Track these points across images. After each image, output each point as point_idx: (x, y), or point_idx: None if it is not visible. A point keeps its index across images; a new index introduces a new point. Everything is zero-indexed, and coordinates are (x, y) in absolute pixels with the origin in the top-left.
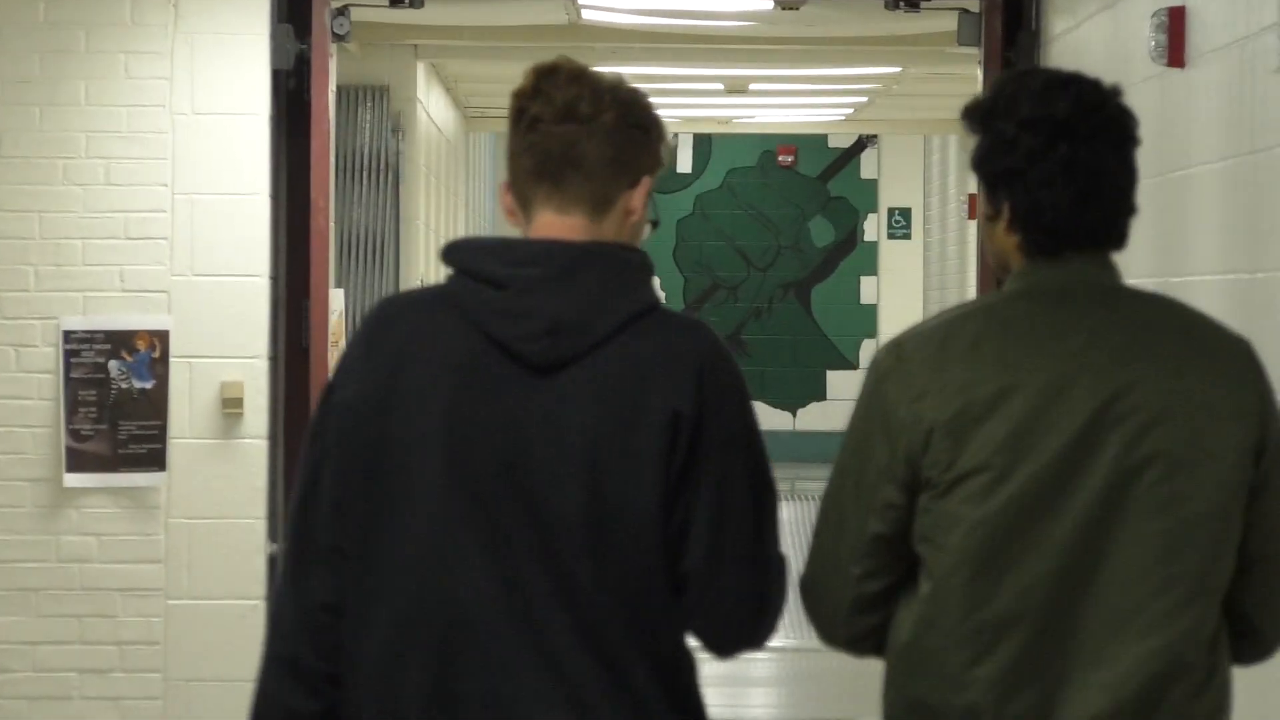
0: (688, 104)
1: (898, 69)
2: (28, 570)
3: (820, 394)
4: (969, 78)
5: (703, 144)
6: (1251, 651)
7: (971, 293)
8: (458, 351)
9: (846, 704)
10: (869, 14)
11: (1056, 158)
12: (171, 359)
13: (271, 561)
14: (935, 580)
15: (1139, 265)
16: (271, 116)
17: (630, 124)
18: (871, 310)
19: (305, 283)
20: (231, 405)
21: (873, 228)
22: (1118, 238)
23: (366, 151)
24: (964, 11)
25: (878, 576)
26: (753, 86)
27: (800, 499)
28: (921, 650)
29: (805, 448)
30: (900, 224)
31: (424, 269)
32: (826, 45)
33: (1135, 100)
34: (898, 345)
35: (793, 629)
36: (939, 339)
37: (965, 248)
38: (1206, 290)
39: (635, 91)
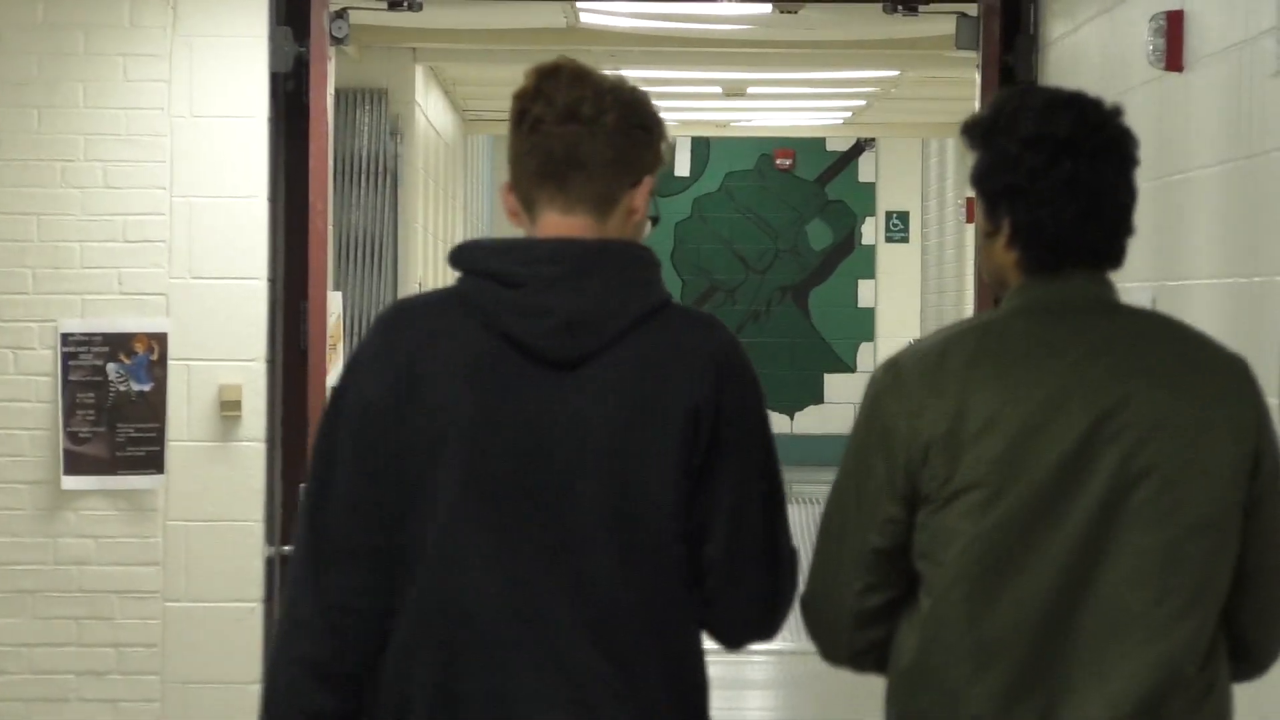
0: (686, 107)
1: (896, 72)
2: (25, 572)
3: (818, 397)
4: (967, 81)
5: (701, 147)
6: (1247, 669)
7: (969, 295)
8: (473, 351)
9: (845, 708)
10: (867, 17)
11: (1059, 175)
12: (170, 361)
13: (269, 564)
14: (934, 596)
15: (1137, 269)
16: (270, 119)
17: (632, 124)
18: (869, 314)
19: (303, 285)
20: (229, 408)
21: (870, 231)
22: (1116, 256)
23: (365, 154)
24: (962, 15)
25: (879, 591)
26: (751, 90)
27: (797, 502)
28: (922, 666)
29: (802, 451)
30: (898, 227)
31: (422, 272)
32: (824, 49)
33: (1133, 104)
34: (895, 363)
35: (791, 632)
36: (936, 356)
37: (963, 251)
38: (1204, 294)
39: (636, 91)
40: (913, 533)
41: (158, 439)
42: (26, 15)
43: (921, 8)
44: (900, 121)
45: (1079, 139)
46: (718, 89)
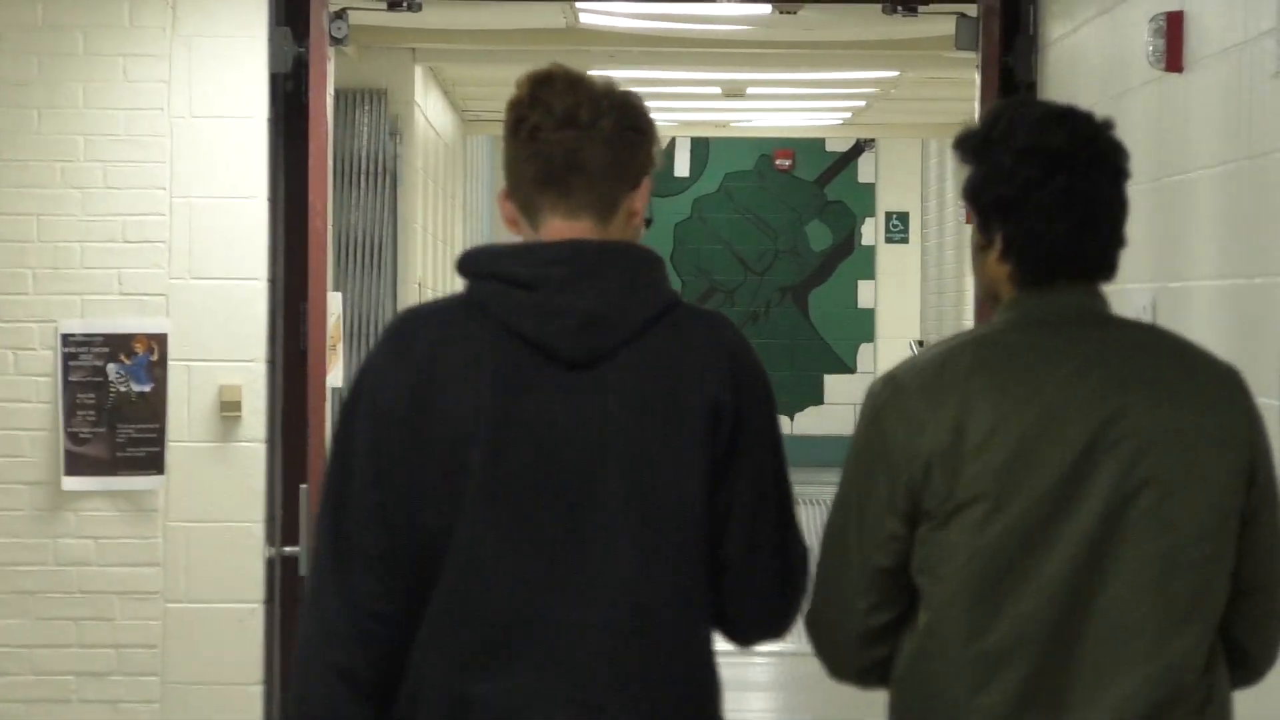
0: (685, 108)
1: (895, 73)
2: (25, 573)
3: (818, 398)
4: (967, 82)
5: (700, 148)
6: (1245, 675)
7: (969, 296)
8: (489, 353)
9: (847, 710)
10: (866, 18)
11: (1053, 188)
12: (170, 362)
13: (270, 565)
14: (934, 610)
15: (1137, 271)
16: (269, 120)
17: (628, 127)
18: (869, 314)
19: (303, 286)
20: (230, 408)
21: (870, 232)
22: (1109, 269)
23: (364, 155)
24: (962, 16)
25: (883, 609)
26: (750, 90)
27: (799, 502)
28: (924, 680)
29: (803, 452)
30: (898, 228)
31: (421, 272)
32: (824, 49)
33: (1133, 105)
34: (893, 379)
35: (793, 634)
36: (934, 371)
37: (963, 252)
38: (1204, 295)
39: (629, 94)
40: (914, 548)
41: (158, 440)
42: (26, 16)
43: (921, 8)
44: (900, 122)
45: (1073, 152)
46: (717, 89)
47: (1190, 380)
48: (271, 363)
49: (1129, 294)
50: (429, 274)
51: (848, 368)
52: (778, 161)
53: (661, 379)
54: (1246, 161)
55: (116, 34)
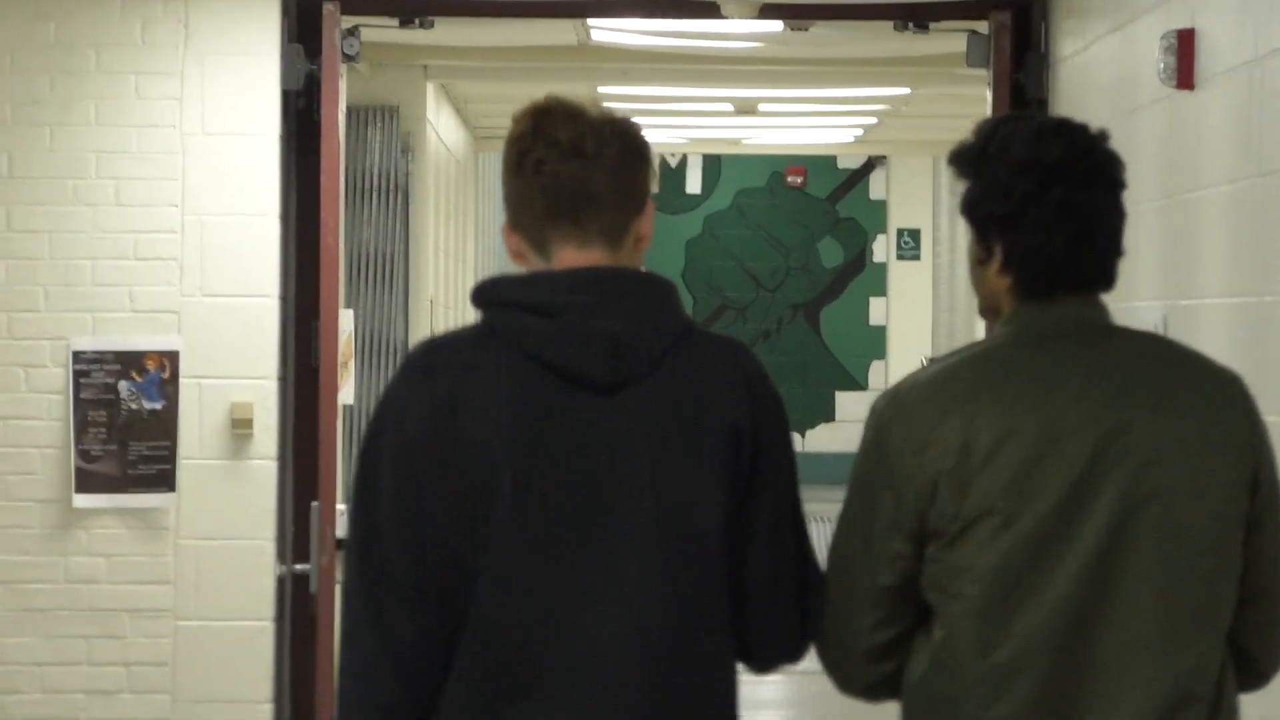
0: (697, 125)
1: (907, 90)
2: (36, 591)
3: (829, 415)
4: (978, 99)
5: (712, 165)
6: (1251, 680)
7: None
8: (513, 381)
9: None
10: (878, 35)
11: (1051, 201)
12: (181, 379)
13: (280, 583)
14: (947, 626)
15: (1147, 288)
16: (281, 136)
17: (631, 153)
18: (880, 331)
19: (315, 303)
20: (241, 426)
21: (882, 249)
22: (1108, 279)
23: (376, 171)
24: (973, 33)
25: (889, 625)
26: (762, 107)
27: (811, 520)
28: (937, 695)
29: (814, 469)
30: (909, 245)
31: (433, 289)
32: (835, 66)
33: (1143, 122)
34: (896, 396)
35: None
36: (937, 388)
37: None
38: (1214, 313)
39: (627, 120)
40: (921, 566)
41: (169, 457)
42: (38, 34)
43: (932, 25)
44: (911, 139)
45: (1070, 164)
46: (729, 106)
47: (1192, 388)
48: (283, 380)
49: (1139, 311)
50: (441, 291)
51: (859, 385)
52: (789, 178)
53: (683, 404)
54: (1257, 179)
55: (129, 51)
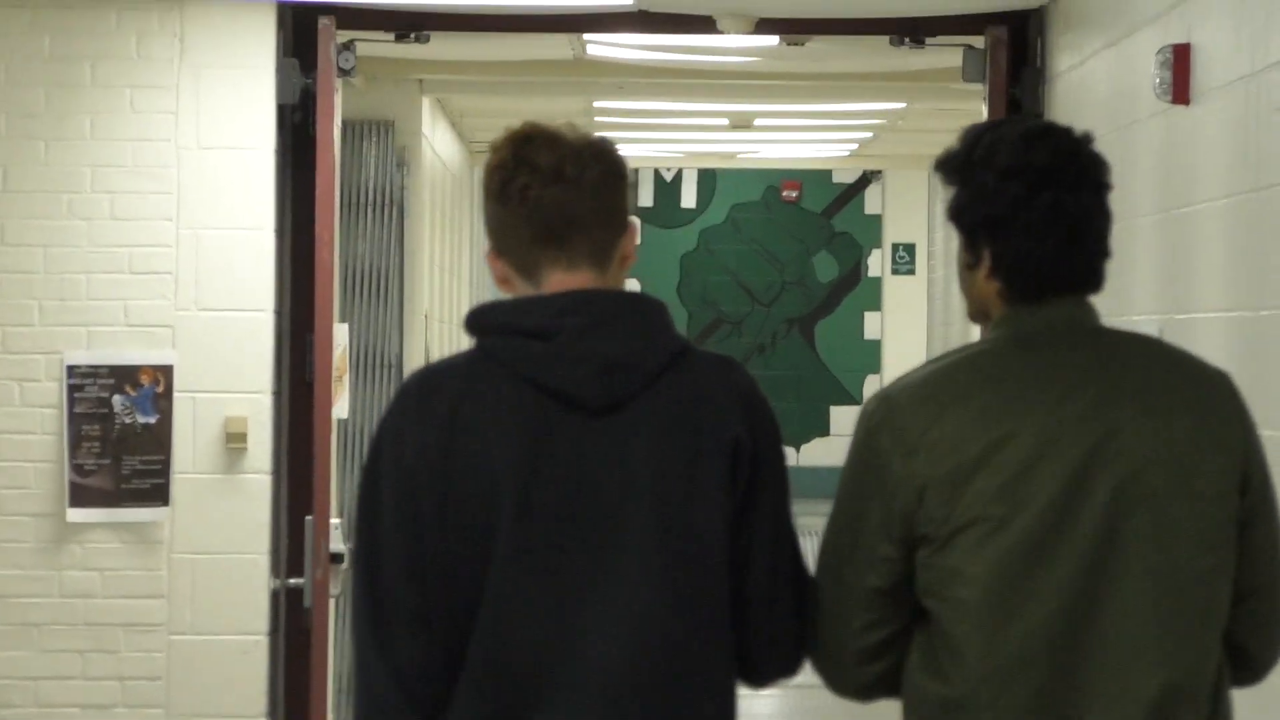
0: (692, 139)
1: (902, 105)
2: (30, 605)
3: (824, 429)
4: (974, 114)
5: (707, 179)
6: (1246, 676)
7: (975, 327)
8: (511, 405)
9: None
10: (874, 50)
11: (1039, 205)
12: (175, 394)
13: (275, 597)
14: (943, 632)
15: (1143, 302)
16: (277, 151)
17: (610, 174)
18: (875, 345)
19: (309, 317)
20: (235, 440)
21: (877, 263)
22: (1097, 281)
23: (371, 186)
24: (969, 48)
25: (880, 627)
26: (757, 122)
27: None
28: (936, 701)
29: (809, 483)
30: (904, 260)
31: (428, 304)
32: (831, 81)
33: (1140, 137)
34: (886, 398)
35: None
36: (927, 392)
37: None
38: (1211, 327)
39: (604, 141)
40: (914, 571)
41: (163, 471)
42: (34, 47)
43: (928, 41)
44: (907, 154)
45: (1056, 168)
46: (724, 121)
47: (1182, 388)
48: (277, 394)
49: (1136, 325)
50: (436, 305)
51: (854, 399)
52: (784, 193)
53: (681, 422)
54: (1253, 194)
55: (124, 65)
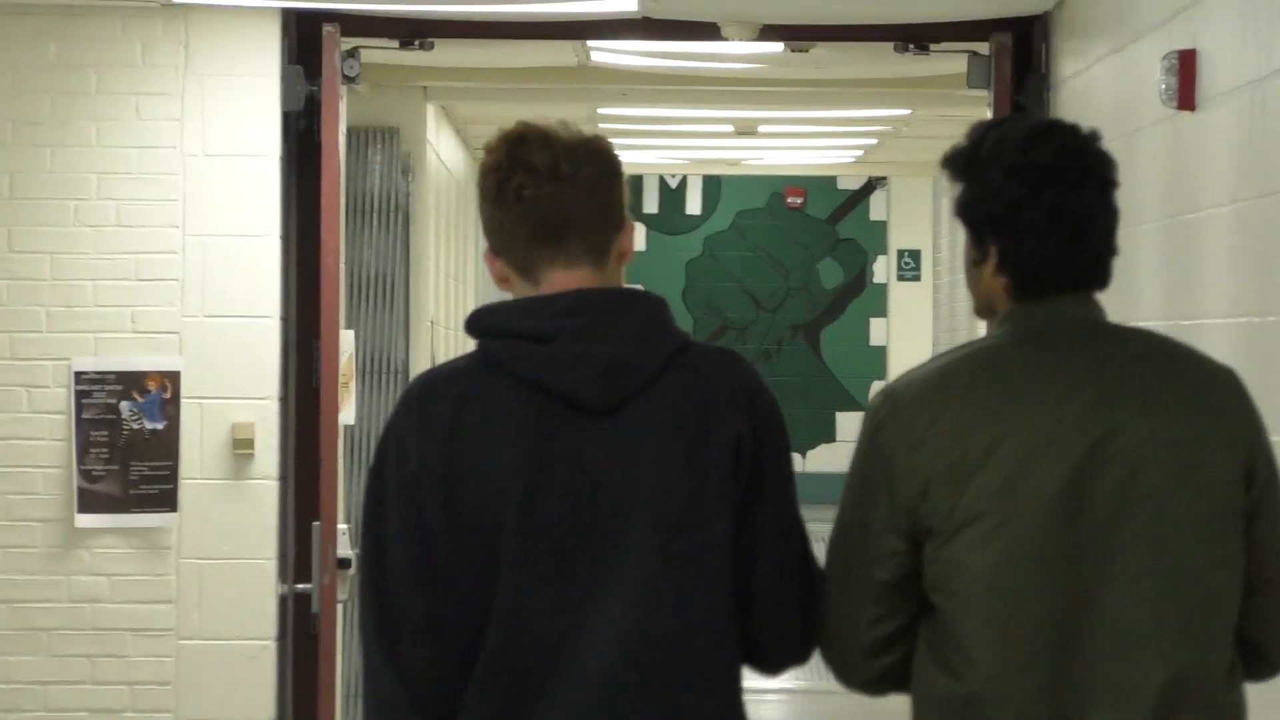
0: (697, 146)
1: (907, 111)
2: (39, 610)
3: (829, 435)
4: (978, 120)
5: (712, 186)
6: (1259, 669)
7: (981, 333)
8: (513, 409)
9: None
10: (878, 57)
11: (1043, 203)
12: (182, 400)
13: (282, 602)
14: (950, 628)
15: (1149, 308)
16: (282, 158)
17: (606, 173)
18: (881, 352)
19: (316, 323)
20: (242, 446)
21: (882, 269)
22: (1102, 278)
23: (376, 193)
24: (973, 54)
25: (888, 621)
26: (762, 128)
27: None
28: (947, 697)
29: (815, 489)
30: (909, 266)
31: (434, 310)
32: (836, 87)
33: (1145, 143)
34: (891, 394)
35: (805, 670)
36: (932, 387)
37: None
38: (1217, 333)
39: (598, 139)
40: (921, 565)
41: (171, 477)
42: (39, 55)
43: (933, 47)
44: (911, 160)
45: (1061, 166)
46: (729, 127)
47: (1185, 385)
48: (284, 400)
49: None
50: (441, 312)
51: (860, 405)
52: (789, 199)
53: (684, 418)
54: (1259, 200)
55: (129, 72)
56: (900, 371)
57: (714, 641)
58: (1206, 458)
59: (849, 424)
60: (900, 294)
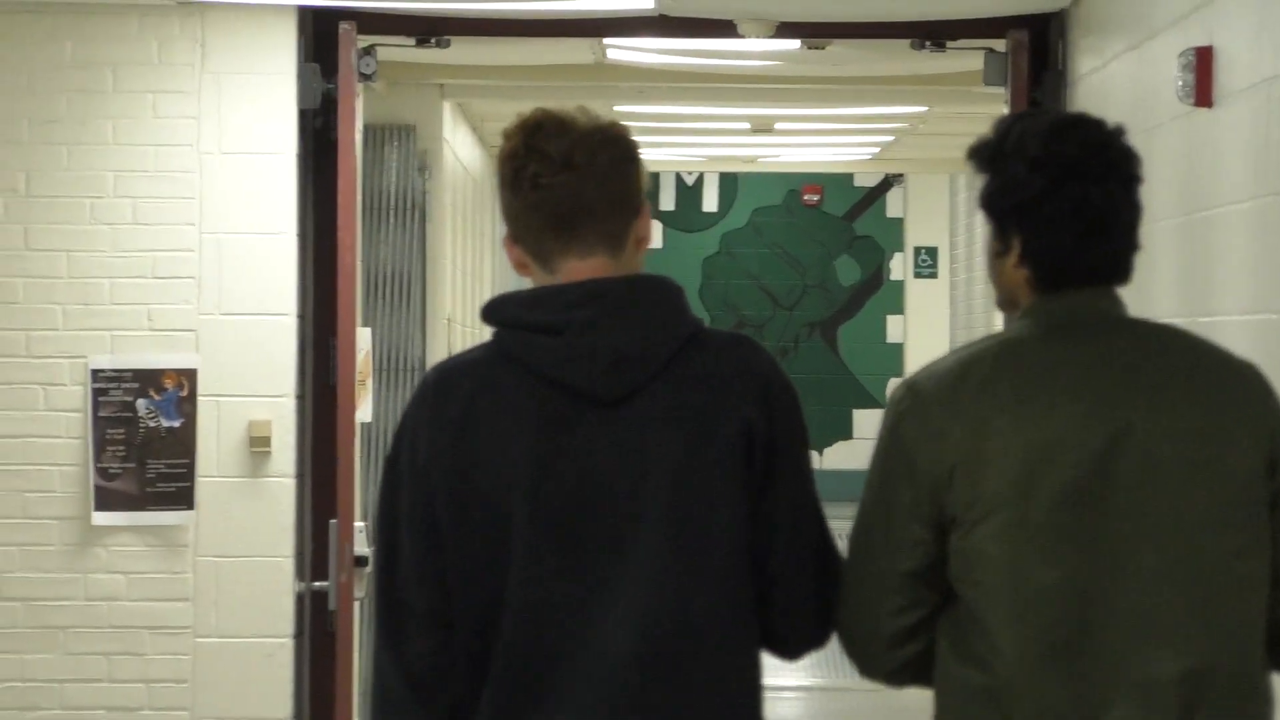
0: (713, 143)
1: (924, 108)
2: (56, 608)
3: (846, 433)
4: (995, 117)
5: (728, 183)
6: None
7: (998, 329)
8: (523, 402)
9: None
10: (895, 54)
11: (1066, 197)
12: (199, 397)
13: (299, 600)
14: (975, 619)
15: (1165, 305)
16: (298, 156)
17: (621, 159)
18: (898, 349)
19: (332, 321)
20: (259, 444)
21: (899, 266)
22: (1124, 273)
23: (393, 190)
24: (990, 51)
25: (911, 611)
26: (778, 126)
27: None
28: (974, 688)
29: (832, 486)
30: (926, 263)
31: (450, 307)
32: (852, 85)
33: (1162, 140)
34: (913, 385)
35: (821, 668)
36: (954, 378)
37: (992, 286)
38: (1233, 330)
39: (615, 125)
40: (945, 555)
41: (187, 475)
42: (55, 53)
43: (949, 44)
44: (928, 157)
45: (1084, 160)
46: (745, 124)
47: (1206, 378)
48: (301, 398)
49: None
50: (458, 309)
51: (876, 402)
52: (806, 196)
53: (694, 406)
54: (1276, 197)
55: (146, 71)
56: (917, 368)
57: (727, 628)
58: (1226, 448)
59: (866, 421)
60: (917, 291)
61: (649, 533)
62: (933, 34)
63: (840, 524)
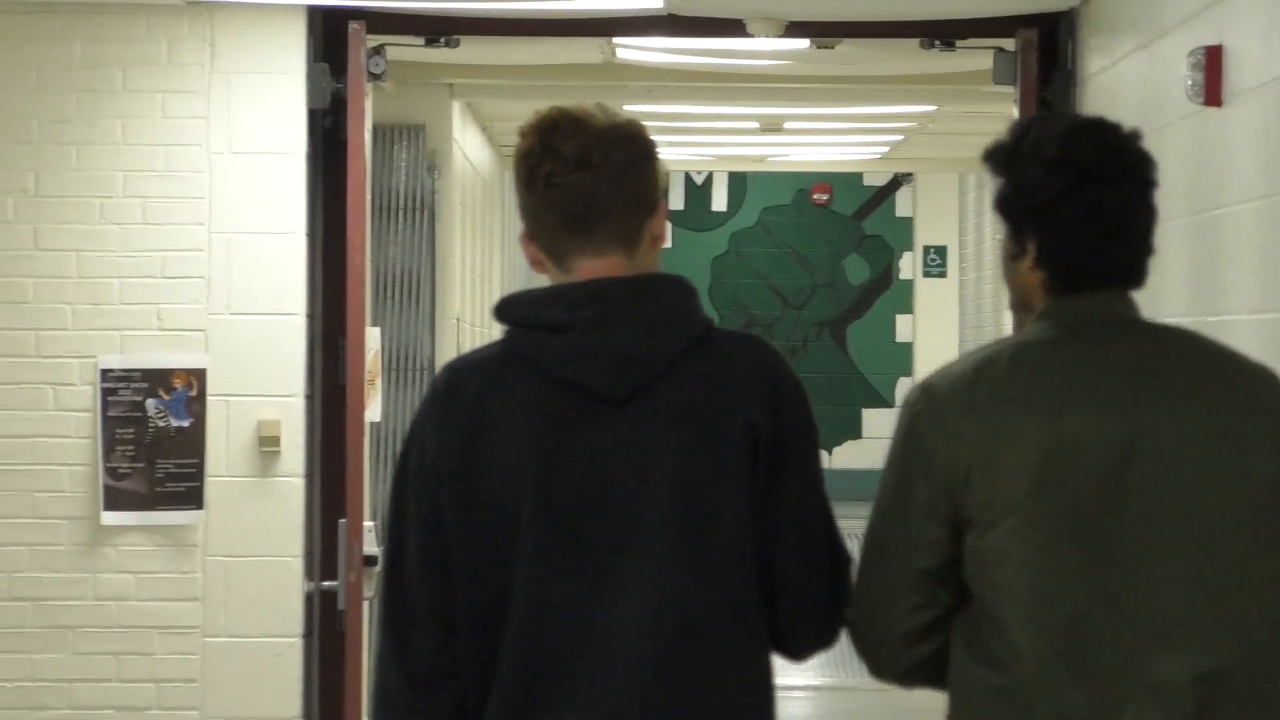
0: (722, 142)
1: (933, 107)
2: (65, 608)
3: (856, 432)
4: (1005, 116)
5: (738, 182)
6: None
7: (1008, 329)
8: (531, 400)
9: None
10: (904, 53)
11: (1082, 200)
12: (208, 397)
13: (308, 599)
14: (992, 619)
15: (1174, 304)
16: (308, 155)
17: (637, 157)
18: (907, 348)
19: (342, 321)
20: (268, 443)
21: (908, 266)
22: (1139, 276)
23: (402, 190)
24: (1000, 50)
25: (926, 610)
26: (788, 125)
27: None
28: (990, 689)
29: (841, 486)
30: (935, 262)
31: (460, 307)
32: (862, 84)
33: (1171, 139)
34: (929, 387)
35: (831, 668)
36: (969, 380)
37: (1001, 285)
38: (1242, 329)
39: (631, 123)
40: (960, 554)
41: (197, 474)
42: (64, 53)
43: (959, 43)
44: (937, 156)
45: (1101, 163)
46: (754, 124)
47: (1221, 382)
48: (310, 398)
49: None
50: (467, 309)
51: (886, 402)
52: (815, 196)
53: (701, 405)
54: None
55: (155, 70)
56: (926, 367)
57: (731, 628)
58: (1243, 450)
59: (875, 420)
60: (926, 290)
61: (653, 532)
62: (942, 33)
63: (849, 523)
